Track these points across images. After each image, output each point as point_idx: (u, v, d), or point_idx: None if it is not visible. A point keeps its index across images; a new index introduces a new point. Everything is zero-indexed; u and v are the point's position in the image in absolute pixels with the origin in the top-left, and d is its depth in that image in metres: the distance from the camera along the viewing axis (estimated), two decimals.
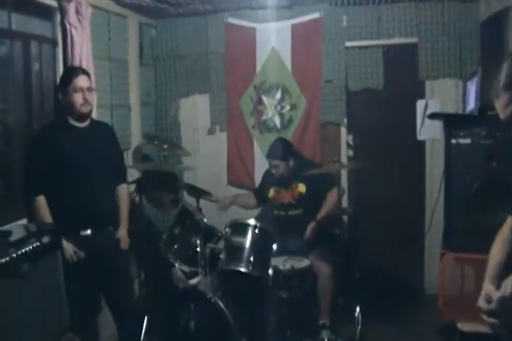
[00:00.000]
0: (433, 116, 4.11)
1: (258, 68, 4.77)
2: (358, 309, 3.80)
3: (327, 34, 4.58)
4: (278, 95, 4.77)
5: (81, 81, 3.12)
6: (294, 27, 4.63)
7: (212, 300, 3.30)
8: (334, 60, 4.59)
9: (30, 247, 2.53)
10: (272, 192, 4.22)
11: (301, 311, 3.79)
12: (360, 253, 4.45)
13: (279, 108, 4.79)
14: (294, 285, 3.63)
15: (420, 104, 4.51)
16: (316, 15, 4.57)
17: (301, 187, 4.09)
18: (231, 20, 4.76)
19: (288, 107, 4.77)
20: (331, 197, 3.99)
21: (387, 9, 4.48)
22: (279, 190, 4.18)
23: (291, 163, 4.06)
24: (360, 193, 4.77)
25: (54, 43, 3.54)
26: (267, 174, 4.32)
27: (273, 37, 4.66)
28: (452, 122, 3.71)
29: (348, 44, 4.58)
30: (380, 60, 4.55)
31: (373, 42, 4.55)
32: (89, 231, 3.19)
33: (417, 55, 4.50)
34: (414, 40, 4.49)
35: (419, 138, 4.56)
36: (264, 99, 4.81)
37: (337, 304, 3.97)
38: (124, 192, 3.50)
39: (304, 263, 3.72)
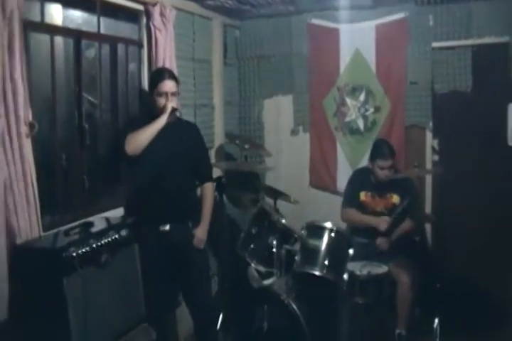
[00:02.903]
0: None
1: (342, 69, 4.72)
2: (436, 321, 3.66)
3: (413, 34, 4.44)
4: (362, 97, 4.69)
5: (166, 86, 3.19)
6: (378, 27, 4.53)
7: (286, 302, 3.29)
8: (420, 61, 4.44)
9: (110, 239, 2.66)
10: (363, 196, 4.08)
11: (377, 319, 3.67)
12: (442, 262, 4.28)
13: (362, 110, 4.71)
14: (370, 292, 3.53)
15: None
16: (401, 15, 4.45)
17: (396, 199, 3.95)
18: (314, 21, 4.74)
19: (372, 109, 4.68)
20: (410, 223, 3.93)
21: (477, 7, 4.26)
22: (374, 196, 4.05)
23: (394, 165, 3.96)
24: (445, 200, 4.59)
25: (140, 45, 3.67)
26: (358, 176, 4.20)
27: (357, 38, 4.59)
28: None
29: (434, 44, 4.41)
30: (469, 60, 4.35)
31: (461, 42, 4.35)
32: (168, 227, 3.26)
33: (508, 56, 4.27)
34: (505, 39, 4.24)
35: (511, 143, 4.34)
36: (348, 100, 4.75)
37: (414, 314, 3.84)
38: (209, 191, 3.52)
39: (381, 269, 3.62)
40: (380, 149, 3.97)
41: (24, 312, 2.40)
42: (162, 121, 3.13)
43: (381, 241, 3.86)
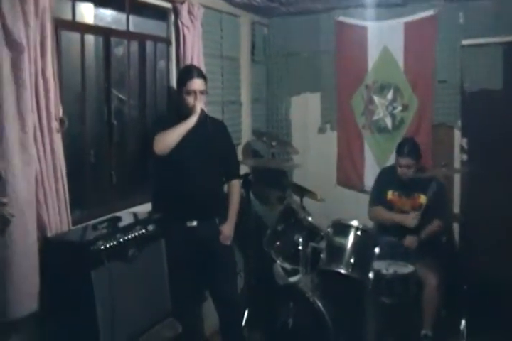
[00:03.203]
0: None
1: (370, 67, 4.70)
2: (463, 322, 3.62)
3: (442, 32, 4.39)
4: (390, 95, 4.67)
5: (195, 84, 3.21)
6: (407, 25, 4.49)
7: (311, 300, 3.31)
8: (449, 59, 4.39)
9: (137, 234, 2.70)
10: (390, 195, 4.07)
11: (403, 319, 3.63)
12: (469, 263, 4.22)
13: (390, 108, 4.68)
14: (396, 291, 3.51)
15: None
16: (430, 12, 4.40)
17: (423, 199, 3.92)
18: (342, 18, 4.73)
19: (400, 108, 4.65)
20: (438, 223, 3.89)
21: (508, 3, 4.16)
22: (401, 195, 4.03)
23: (418, 165, 3.93)
24: (474, 200, 4.53)
25: (168, 42, 3.71)
26: (385, 174, 4.20)
27: (385, 35, 4.56)
28: None
29: (464, 42, 4.35)
30: (500, 58, 4.27)
31: (492, 39, 4.27)
32: (195, 223, 3.29)
33: None
34: None
35: None
36: (376, 98, 4.72)
37: (440, 315, 3.80)
38: (236, 188, 3.53)
39: (407, 269, 3.59)
40: (401, 147, 3.98)
41: (54, 304, 2.45)
42: (191, 122, 3.15)
43: (410, 240, 3.83)
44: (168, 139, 3.10)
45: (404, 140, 4.16)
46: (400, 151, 3.96)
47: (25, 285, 2.32)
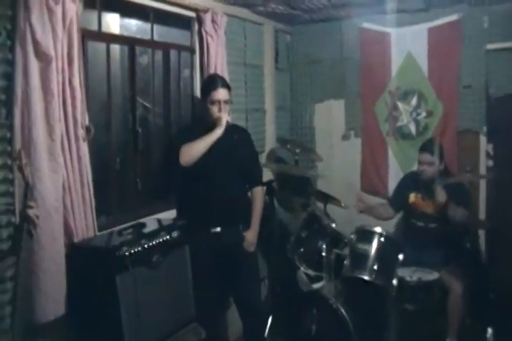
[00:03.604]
0: None
1: (393, 73, 4.69)
2: (490, 331, 3.55)
3: (466, 36, 4.35)
4: (414, 101, 4.65)
5: (219, 94, 3.23)
6: (430, 30, 4.47)
7: (334, 306, 3.29)
8: (474, 64, 4.35)
9: (161, 240, 2.73)
10: (412, 198, 4.02)
11: (427, 326, 3.58)
12: (496, 271, 4.16)
13: (414, 114, 4.66)
14: (420, 299, 3.47)
15: None
16: (454, 17, 4.37)
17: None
18: (366, 25, 4.73)
19: (424, 114, 4.62)
20: (463, 211, 3.79)
21: None
22: (423, 197, 3.98)
23: (441, 167, 3.88)
24: (500, 206, 4.46)
25: (192, 51, 3.76)
26: (407, 178, 4.17)
27: (409, 41, 4.55)
28: None
29: (489, 46, 4.30)
30: None
31: None
32: (219, 229, 3.31)
33: None
34: None
35: None
36: (400, 105, 4.71)
37: (465, 323, 3.75)
38: (259, 195, 3.54)
39: (432, 276, 3.55)
40: (425, 144, 3.96)
41: (79, 308, 2.50)
42: (217, 134, 3.18)
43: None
44: (194, 151, 3.13)
45: (428, 139, 4.15)
46: (420, 148, 3.95)
47: (52, 289, 2.37)
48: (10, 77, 2.29)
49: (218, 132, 3.19)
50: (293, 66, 5.06)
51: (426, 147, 3.89)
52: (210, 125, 3.24)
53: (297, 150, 4.36)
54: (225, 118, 3.22)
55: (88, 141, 2.69)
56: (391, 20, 4.57)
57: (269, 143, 4.71)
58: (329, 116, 5.06)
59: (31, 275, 2.30)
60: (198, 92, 3.70)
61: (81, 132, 2.60)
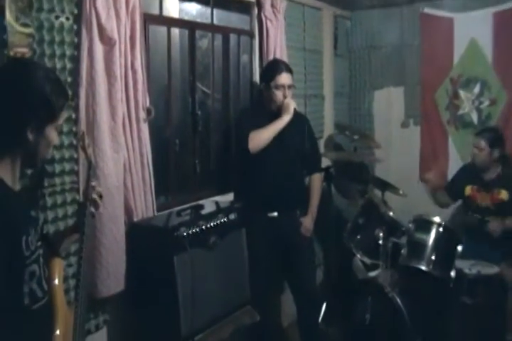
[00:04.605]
0: None
1: (455, 60, 4.57)
2: None
3: None
4: (476, 89, 4.52)
5: (283, 79, 3.25)
6: (496, 15, 4.31)
7: (390, 295, 3.26)
8: None
9: (218, 222, 2.75)
10: (468, 190, 3.95)
11: (486, 322, 3.48)
12: None
13: (476, 103, 4.54)
14: (479, 292, 3.39)
15: None
16: None
17: (504, 194, 3.77)
18: (427, 10, 4.61)
19: (487, 102, 4.49)
20: None
21: None
22: (479, 189, 3.90)
23: (495, 155, 3.79)
24: None
25: (251, 35, 3.75)
26: (465, 169, 4.08)
27: (472, 27, 4.41)
28: None
29: None
30: None
31: None
32: (276, 214, 3.33)
33: None
34: None
35: None
36: (461, 93, 4.59)
37: None
38: (318, 181, 3.56)
39: (492, 270, 3.46)
40: (481, 129, 3.95)
41: (138, 284, 2.56)
42: (284, 121, 3.20)
43: (494, 225, 3.70)
44: (263, 138, 3.16)
45: (487, 126, 4.06)
46: (476, 133, 3.90)
47: (113, 266, 2.44)
48: (76, 60, 2.34)
49: (286, 119, 3.20)
50: (352, 52, 5.00)
51: (481, 132, 3.84)
52: (275, 110, 3.26)
53: (355, 137, 4.31)
54: (293, 104, 3.23)
55: (148, 123, 2.74)
56: (454, 4, 4.46)
57: (328, 129, 4.68)
58: (388, 103, 5.00)
59: (94, 252, 2.37)
60: (257, 77, 3.71)
61: (142, 114, 2.65)
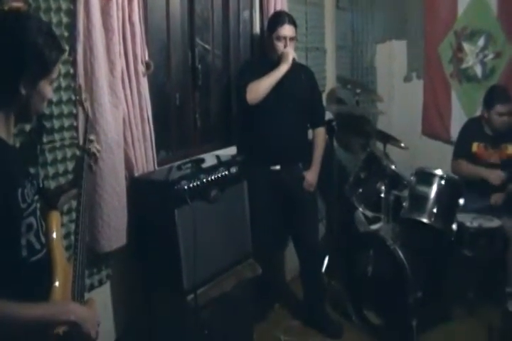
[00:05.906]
0: None
1: (460, 12, 4.47)
2: None
3: None
4: (481, 42, 4.43)
5: (285, 30, 3.21)
6: None
7: (391, 248, 3.29)
8: None
9: (219, 175, 2.75)
10: (475, 147, 3.92)
11: (487, 274, 3.55)
12: None
13: (481, 56, 4.46)
14: (480, 245, 3.44)
15: None
16: None
17: (511, 149, 3.78)
18: None
19: (491, 55, 4.41)
20: None
21: None
22: (487, 146, 3.88)
23: None
24: None
25: None
26: (471, 125, 4.04)
27: None
28: None
29: None
30: None
31: None
32: (278, 167, 3.33)
33: None
34: None
35: None
36: (465, 46, 4.50)
37: None
38: (322, 135, 3.53)
39: (494, 223, 3.49)
40: (499, 94, 3.78)
41: (140, 238, 2.59)
42: (282, 71, 3.16)
43: (496, 197, 3.71)
44: (261, 89, 3.12)
45: (496, 87, 3.95)
46: (499, 98, 3.76)
47: (114, 220, 2.44)
48: (72, 14, 2.29)
49: (285, 67, 3.15)
50: (354, 5, 4.84)
51: (506, 97, 3.73)
52: (275, 61, 3.22)
53: (358, 91, 4.28)
54: (291, 54, 3.19)
55: (148, 77, 2.70)
56: None
57: (330, 82, 4.63)
58: (391, 57, 4.91)
59: (95, 207, 2.38)
60: (257, 29, 3.66)
61: (141, 67, 2.61)
